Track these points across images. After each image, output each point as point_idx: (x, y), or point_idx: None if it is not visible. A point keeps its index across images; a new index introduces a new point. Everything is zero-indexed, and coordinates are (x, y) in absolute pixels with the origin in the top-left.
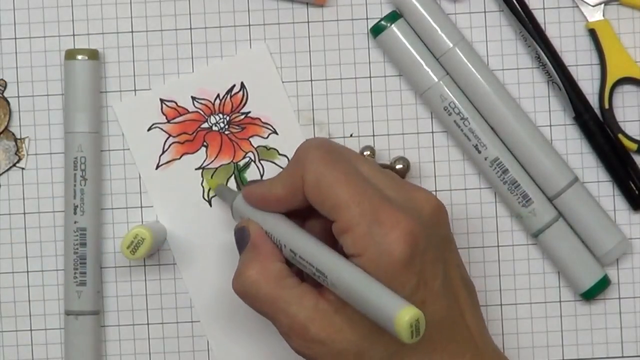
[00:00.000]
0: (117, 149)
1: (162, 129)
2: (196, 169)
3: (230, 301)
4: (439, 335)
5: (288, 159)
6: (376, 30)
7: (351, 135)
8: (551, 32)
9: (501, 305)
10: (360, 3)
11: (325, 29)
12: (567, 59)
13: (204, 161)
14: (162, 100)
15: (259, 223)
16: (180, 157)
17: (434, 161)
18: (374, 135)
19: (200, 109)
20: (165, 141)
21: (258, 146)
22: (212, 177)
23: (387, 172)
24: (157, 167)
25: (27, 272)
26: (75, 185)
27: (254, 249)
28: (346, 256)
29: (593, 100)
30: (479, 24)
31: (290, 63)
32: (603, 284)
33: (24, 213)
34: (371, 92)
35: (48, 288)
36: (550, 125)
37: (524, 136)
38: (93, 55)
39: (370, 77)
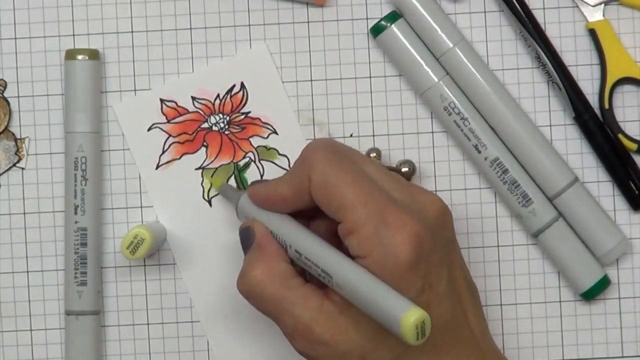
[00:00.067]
0: (117, 149)
1: (162, 129)
2: (196, 169)
3: (230, 301)
4: (443, 337)
5: (288, 158)
6: (376, 30)
7: (351, 135)
8: (551, 32)
9: (501, 305)
10: (360, 3)
11: (325, 29)
12: (567, 59)
13: (204, 161)
14: (162, 100)
15: (264, 223)
16: (180, 157)
17: (434, 161)
18: (374, 135)
19: (200, 109)
20: (165, 141)
21: (258, 146)
22: (212, 177)
23: (393, 174)
24: (157, 167)
25: (27, 272)
26: (75, 185)
27: (259, 249)
28: (351, 257)
29: (593, 100)
30: (479, 24)
31: (290, 63)
32: (603, 284)
33: (24, 213)
34: (371, 92)
35: (48, 288)
36: (550, 125)
37: (524, 136)
38: (93, 55)
39: (370, 77)
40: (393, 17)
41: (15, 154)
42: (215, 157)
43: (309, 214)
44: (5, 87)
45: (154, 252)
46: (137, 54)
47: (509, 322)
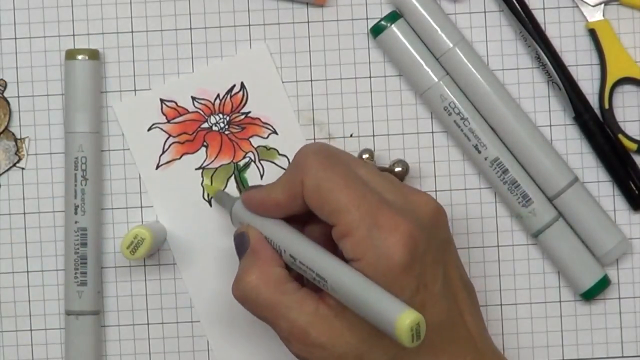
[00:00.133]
0: (117, 149)
1: (162, 129)
2: (196, 169)
3: (230, 301)
4: (439, 337)
5: (288, 159)
6: (376, 30)
7: (351, 136)
8: (551, 32)
9: (501, 305)
10: (360, 3)
11: (325, 29)
12: (567, 59)
13: (204, 161)
14: (162, 100)
15: (258, 228)
16: (180, 157)
17: (434, 161)
18: (374, 135)
19: (200, 109)
20: (165, 141)
21: (258, 146)
22: (211, 180)
23: (385, 176)
24: (157, 167)
25: (27, 272)
26: (76, 185)
27: (253, 254)
28: (346, 261)
29: (593, 100)
30: (479, 24)
31: (290, 63)
32: (603, 284)
33: (24, 213)
34: (371, 92)
35: (48, 288)
36: (550, 125)
37: (524, 136)
38: (93, 55)
39: (370, 77)
40: (393, 17)
41: (15, 154)
42: (215, 157)
43: (303, 219)
44: (5, 87)
45: (154, 252)
46: (137, 54)
47: (509, 322)
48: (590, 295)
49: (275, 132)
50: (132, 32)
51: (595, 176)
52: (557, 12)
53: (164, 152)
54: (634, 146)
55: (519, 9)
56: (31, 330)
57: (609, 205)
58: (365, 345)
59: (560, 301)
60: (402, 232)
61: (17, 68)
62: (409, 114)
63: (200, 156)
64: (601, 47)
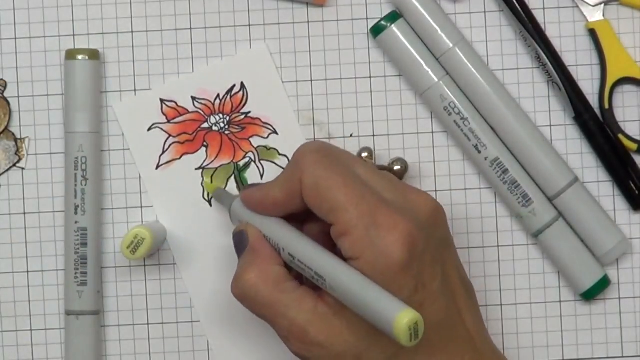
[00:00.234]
0: (117, 149)
1: (162, 129)
2: (196, 169)
3: (230, 301)
4: (437, 336)
5: (288, 159)
6: (376, 30)
7: (351, 135)
8: (551, 32)
9: (501, 305)
10: (360, 3)
11: (325, 29)
12: (567, 59)
13: (204, 161)
14: (162, 100)
15: (257, 227)
16: (180, 157)
17: (434, 161)
18: (373, 135)
19: (200, 109)
20: (165, 141)
21: (258, 146)
22: (211, 179)
23: (384, 174)
24: (157, 167)
25: (27, 272)
26: (76, 185)
27: (252, 252)
28: (344, 259)
29: (593, 100)
30: (479, 24)
31: (290, 63)
32: (603, 284)
33: (24, 213)
34: (371, 92)
35: (48, 288)
36: (550, 125)
37: (524, 136)
38: (93, 55)
39: (370, 77)
40: (393, 17)
41: (15, 154)
42: (216, 157)
43: (302, 217)
44: (5, 87)
45: (154, 252)
46: (137, 54)
47: (509, 322)
48: (590, 295)
49: (275, 132)
50: (132, 32)
51: (595, 176)
52: (557, 12)
53: (164, 152)
54: (634, 146)
55: (519, 9)
56: (31, 330)
57: (609, 205)
58: (364, 344)
59: (560, 301)
60: (400, 231)
61: (17, 68)
62: (409, 114)
63: (200, 156)
64: (601, 47)
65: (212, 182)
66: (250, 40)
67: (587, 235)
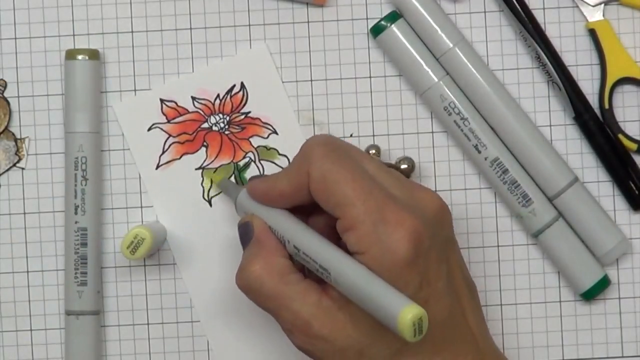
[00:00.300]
0: (117, 149)
1: (162, 129)
2: (196, 169)
3: (230, 301)
4: (441, 335)
5: (288, 159)
6: (376, 30)
7: (351, 135)
8: (551, 32)
9: (501, 305)
10: (360, 3)
11: (325, 29)
12: (567, 59)
13: (204, 161)
14: (162, 100)
15: (263, 218)
16: (180, 157)
17: (434, 161)
18: (374, 135)
19: (200, 109)
20: (165, 141)
21: (258, 146)
22: (211, 180)
23: (392, 171)
24: (157, 167)
25: (27, 272)
26: (76, 185)
27: (257, 244)
28: (349, 253)
29: (593, 100)
30: (479, 24)
31: (290, 63)
32: (603, 284)
33: (24, 213)
34: (371, 92)
35: (48, 288)
36: (550, 125)
37: (524, 136)
38: (93, 55)
39: (370, 77)
40: (393, 17)
41: (15, 154)
42: (215, 157)
43: (308, 210)
44: (5, 87)
45: (154, 252)
46: (137, 54)
47: (509, 322)
48: (590, 295)
49: (275, 132)
50: (132, 32)
51: (595, 176)
52: (557, 12)
53: (164, 152)
54: (634, 146)
55: (519, 9)
56: (31, 330)
57: (609, 205)
58: (368, 339)
59: (560, 301)
60: (407, 228)
61: (17, 68)
62: (409, 114)
63: (200, 156)
64: (601, 47)
65: (212, 182)
66: (250, 40)
67: (587, 235)
